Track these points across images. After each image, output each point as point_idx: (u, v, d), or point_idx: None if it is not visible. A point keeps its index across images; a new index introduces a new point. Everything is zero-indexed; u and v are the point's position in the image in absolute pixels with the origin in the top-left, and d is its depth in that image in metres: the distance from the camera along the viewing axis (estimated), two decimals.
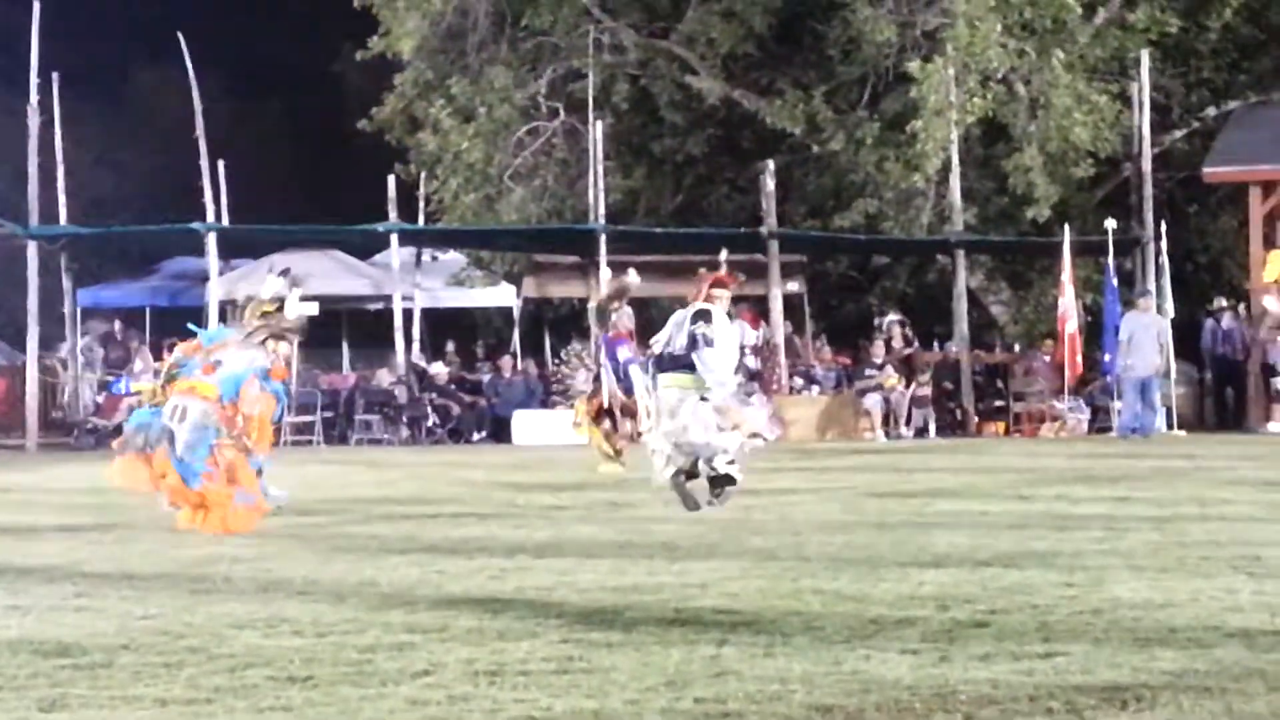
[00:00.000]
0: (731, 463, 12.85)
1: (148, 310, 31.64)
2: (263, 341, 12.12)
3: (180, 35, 26.41)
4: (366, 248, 31.45)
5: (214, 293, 25.00)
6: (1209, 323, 26.18)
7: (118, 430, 25.29)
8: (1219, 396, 26.37)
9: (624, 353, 17.62)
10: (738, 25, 28.81)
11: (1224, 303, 26.26)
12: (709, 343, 12.91)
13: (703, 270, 13.71)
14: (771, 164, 27.10)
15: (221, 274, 26.50)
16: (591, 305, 13.43)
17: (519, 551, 10.41)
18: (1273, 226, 25.88)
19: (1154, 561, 9.41)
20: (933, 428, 25.85)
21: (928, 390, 26.16)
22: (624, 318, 18.32)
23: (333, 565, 9.89)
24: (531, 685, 6.21)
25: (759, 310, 26.92)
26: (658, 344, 13.37)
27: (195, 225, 26.19)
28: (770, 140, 29.12)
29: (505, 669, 6.49)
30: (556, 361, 27.96)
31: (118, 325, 29.77)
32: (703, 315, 13.04)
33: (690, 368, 12.96)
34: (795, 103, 28.64)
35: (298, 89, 38.45)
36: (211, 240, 25.91)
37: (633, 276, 17.42)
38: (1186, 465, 17.57)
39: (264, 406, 12.02)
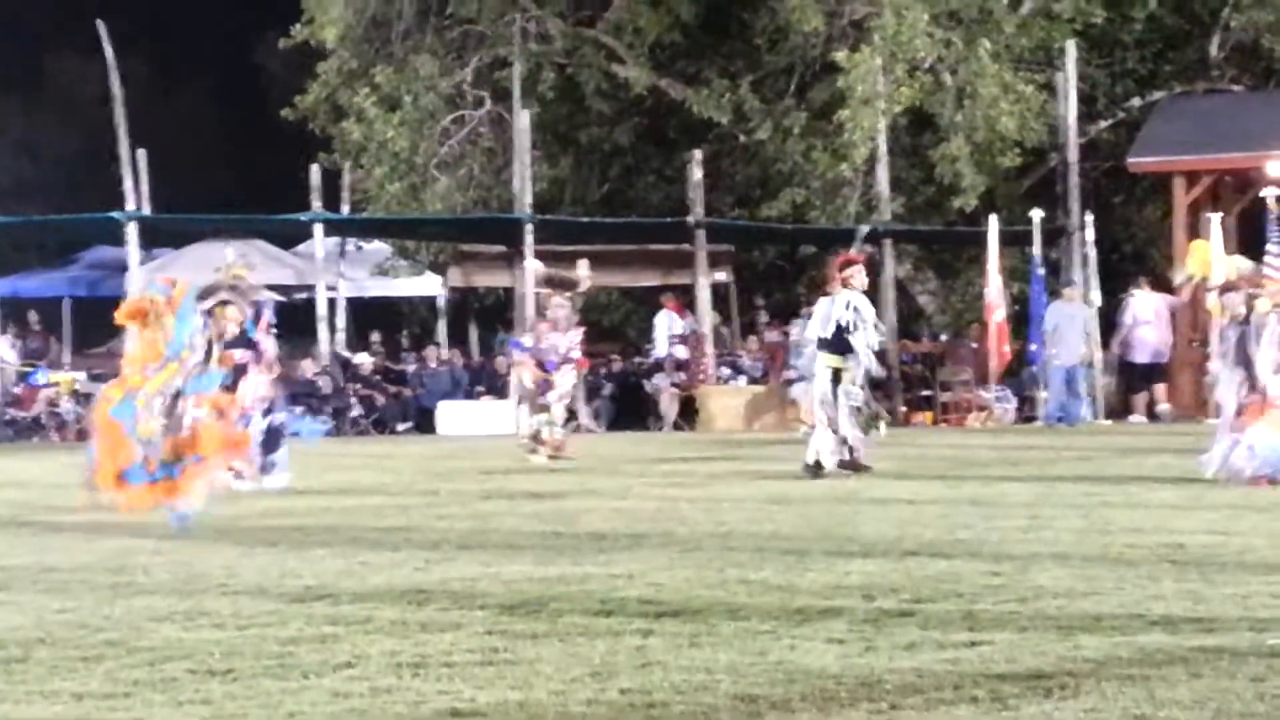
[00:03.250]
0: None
1: (66, 300, 31.31)
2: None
3: (100, 21, 26.10)
4: (290, 237, 31.18)
5: (134, 282, 24.70)
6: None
7: (36, 422, 25.25)
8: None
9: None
10: (664, 14, 28.74)
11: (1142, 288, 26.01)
12: (858, 327, 14.54)
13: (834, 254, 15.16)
14: (698, 153, 27.10)
15: (142, 264, 26.16)
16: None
17: (443, 543, 10.35)
18: (1196, 216, 26.01)
19: (1078, 550, 9.44)
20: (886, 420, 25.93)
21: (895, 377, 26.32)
22: (557, 308, 18.30)
23: (254, 558, 9.80)
24: (455, 677, 6.16)
25: (685, 300, 26.91)
26: (813, 332, 14.92)
27: (115, 214, 25.86)
28: (697, 129, 29.09)
29: (429, 661, 6.44)
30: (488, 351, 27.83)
31: (33, 315, 29.44)
32: (847, 302, 14.59)
33: (839, 350, 14.60)
34: (722, 92, 28.62)
35: (220, 77, 38.12)
36: (132, 230, 25.62)
37: (582, 269, 17.79)
38: (1111, 454, 17.68)
39: None
